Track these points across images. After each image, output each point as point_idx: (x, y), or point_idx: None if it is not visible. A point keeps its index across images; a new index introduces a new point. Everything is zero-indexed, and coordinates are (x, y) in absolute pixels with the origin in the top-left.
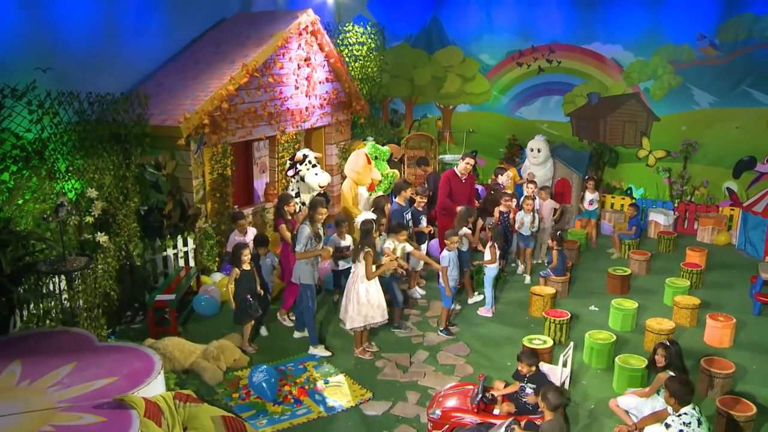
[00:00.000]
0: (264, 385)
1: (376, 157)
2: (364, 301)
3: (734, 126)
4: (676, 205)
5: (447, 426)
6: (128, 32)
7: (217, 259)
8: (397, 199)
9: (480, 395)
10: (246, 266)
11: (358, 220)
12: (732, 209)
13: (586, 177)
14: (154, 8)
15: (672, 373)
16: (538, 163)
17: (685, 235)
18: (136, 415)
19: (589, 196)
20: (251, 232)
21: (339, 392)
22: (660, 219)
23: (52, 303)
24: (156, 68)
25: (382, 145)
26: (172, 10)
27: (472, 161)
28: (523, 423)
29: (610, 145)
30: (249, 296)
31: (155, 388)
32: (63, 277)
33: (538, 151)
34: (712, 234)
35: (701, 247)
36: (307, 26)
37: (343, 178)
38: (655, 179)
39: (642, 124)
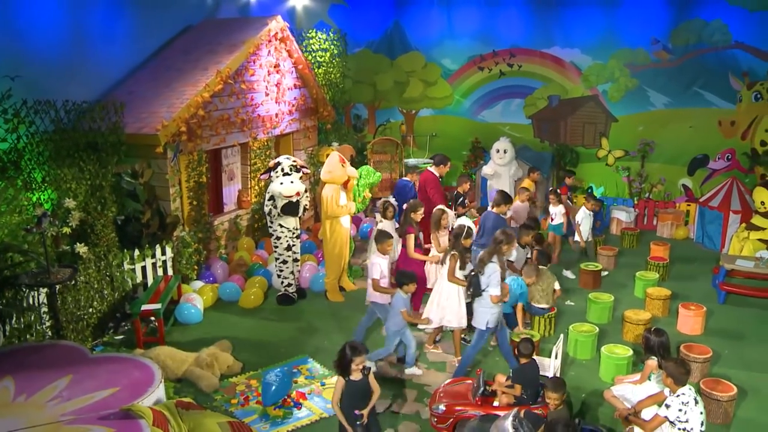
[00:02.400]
0: (273, 387)
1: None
2: (444, 304)
3: (688, 126)
4: (635, 202)
5: (451, 419)
6: (95, 40)
7: (196, 267)
8: (496, 210)
9: (482, 389)
10: (356, 375)
11: (456, 224)
12: (688, 205)
13: (549, 189)
14: (120, 16)
15: (654, 358)
16: (504, 164)
17: (645, 230)
18: (146, 424)
19: (552, 209)
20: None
21: None
22: (622, 216)
23: (33, 317)
24: (125, 76)
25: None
26: (138, 17)
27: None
28: (521, 413)
29: (570, 146)
30: (356, 413)
31: (158, 397)
32: (43, 290)
33: (504, 152)
34: (671, 229)
35: (664, 242)
36: (276, 33)
37: (314, 185)
38: (614, 178)
39: (601, 125)
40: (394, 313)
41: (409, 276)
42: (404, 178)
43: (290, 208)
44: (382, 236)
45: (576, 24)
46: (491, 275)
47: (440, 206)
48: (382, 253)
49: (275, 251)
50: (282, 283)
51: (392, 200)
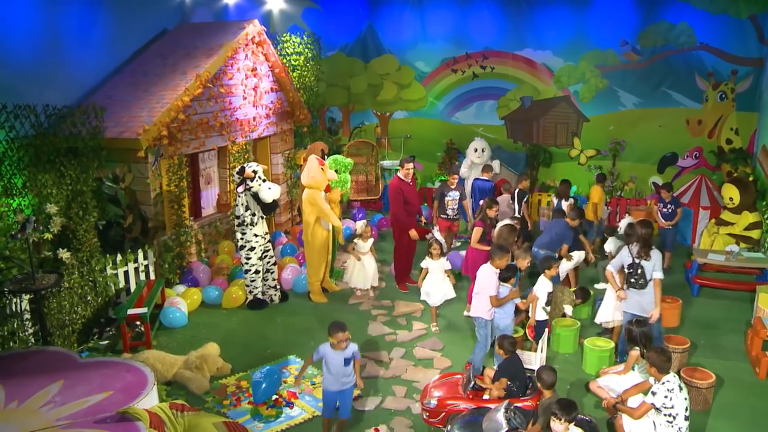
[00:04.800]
0: (263, 385)
1: (337, 171)
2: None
3: (657, 125)
4: (608, 200)
5: (443, 414)
6: (71, 45)
7: (178, 271)
8: (569, 221)
9: (472, 383)
10: None
11: (622, 224)
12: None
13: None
14: (95, 20)
15: (637, 348)
16: (481, 162)
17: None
18: (144, 426)
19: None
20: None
21: None
22: None
23: (16, 324)
24: (101, 81)
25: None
26: (113, 22)
27: (412, 165)
28: (513, 405)
29: (543, 146)
30: None
31: (152, 400)
32: (25, 296)
33: (482, 150)
34: None
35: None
36: (253, 37)
37: (291, 188)
38: (587, 177)
39: (573, 125)
40: (506, 312)
41: (511, 269)
42: (482, 178)
43: (271, 207)
44: (497, 252)
45: (547, 26)
46: (657, 261)
47: (509, 222)
48: (497, 269)
49: (247, 263)
50: (251, 292)
51: (438, 236)
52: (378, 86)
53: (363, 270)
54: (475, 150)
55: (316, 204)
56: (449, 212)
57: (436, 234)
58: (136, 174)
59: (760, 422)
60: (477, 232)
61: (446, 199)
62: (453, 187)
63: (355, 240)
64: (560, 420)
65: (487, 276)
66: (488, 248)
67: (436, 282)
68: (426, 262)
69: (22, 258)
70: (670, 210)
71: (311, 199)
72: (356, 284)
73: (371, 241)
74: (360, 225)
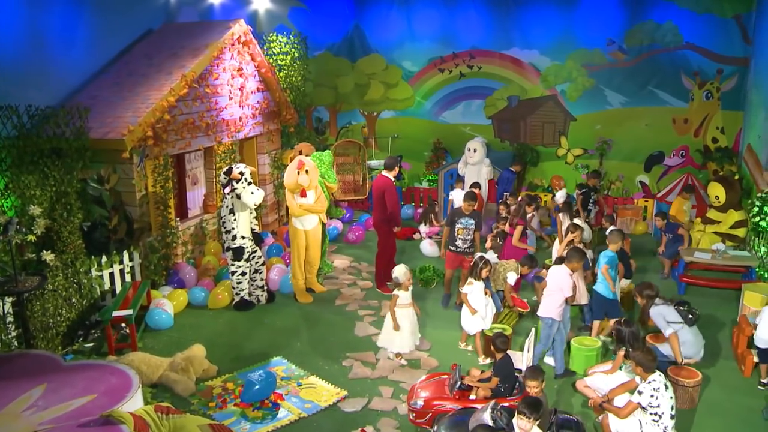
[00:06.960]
0: (256, 387)
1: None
2: None
3: (644, 124)
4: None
5: (430, 414)
6: (55, 45)
7: (164, 272)
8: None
9: (458, 383)
10: None
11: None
12: (646, 201)
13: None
14: (79, 21)
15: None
16: (473, 163)
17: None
18: (128, 430)
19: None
20: None
21: (314, 393)
22: None
23: None
24: (86, 81)
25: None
26: (98, 22)
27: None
28: (499, 405)
29: (530, 145)
30: None
31: (136, 403)
32: (8, 299)
33: (474, 151)
34: (630, 224)
35: (627, 237)
36: (239, 36)
37: (278, 188)
38: (574, 176)
39: (560, 124)
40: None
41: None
42: (510, 169)
43: (240, 252)
44: (575, 254)
45: (534, 25)
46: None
47: (576, 221)
48: (572, 271)
49: (233, 265)
50: (239, 294)
51: (493, 257)
52: (365, 86)
53: (407, 327)
54: (468, 150)
55: (289, 204)
56: (459, 243)
57: (491, 255)
58: (121, 175)
59: (747, 420)
60: (518, 230)
61: (457, 226)
62: (467, 213)
63: (396, 292)
64: (528, 418)
65: (562, 277)
66: (527, 247)
67: (481, 304)
68: (469, 288)
69: (4, 260)
70: (672, 237)
71: (287, 197)
72: (402, 349)
73: (410, 288)
74: (401, 271)
